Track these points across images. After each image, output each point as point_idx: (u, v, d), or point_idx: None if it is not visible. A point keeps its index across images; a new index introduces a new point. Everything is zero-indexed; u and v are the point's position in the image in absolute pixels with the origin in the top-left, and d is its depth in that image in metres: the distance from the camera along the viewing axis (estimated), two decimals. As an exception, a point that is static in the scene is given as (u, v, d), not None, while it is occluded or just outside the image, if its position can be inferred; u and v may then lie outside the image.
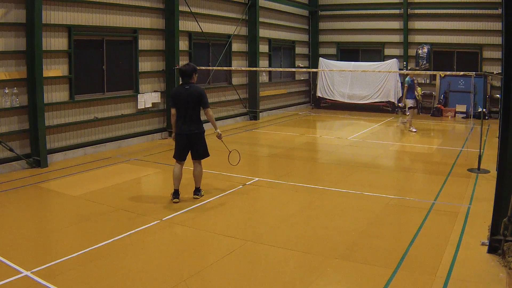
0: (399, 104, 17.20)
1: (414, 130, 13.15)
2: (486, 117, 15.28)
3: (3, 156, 8.25)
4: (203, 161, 6.81)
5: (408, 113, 13.38)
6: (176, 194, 6.61)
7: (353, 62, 17.71)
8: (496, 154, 5.97)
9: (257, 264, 4.71)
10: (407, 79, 13.12)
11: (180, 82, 6.81)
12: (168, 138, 11.95)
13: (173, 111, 6.61)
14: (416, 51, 17.45)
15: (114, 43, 10.58)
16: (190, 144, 6.60)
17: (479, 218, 5.82)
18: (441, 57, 17.32)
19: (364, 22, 18.73)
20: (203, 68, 12.87)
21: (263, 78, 16.61)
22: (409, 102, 13.21)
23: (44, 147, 8.62)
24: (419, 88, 17.12)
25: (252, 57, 15.47)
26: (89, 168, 8.69)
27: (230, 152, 7.43)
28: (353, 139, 12.19)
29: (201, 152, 6.69)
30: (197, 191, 6.84)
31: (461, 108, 16.29)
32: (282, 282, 4.28)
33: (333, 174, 8.60)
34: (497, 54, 15.87)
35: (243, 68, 14.79)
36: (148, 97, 11.40)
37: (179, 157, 6.66)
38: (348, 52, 19.31)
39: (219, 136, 6.92)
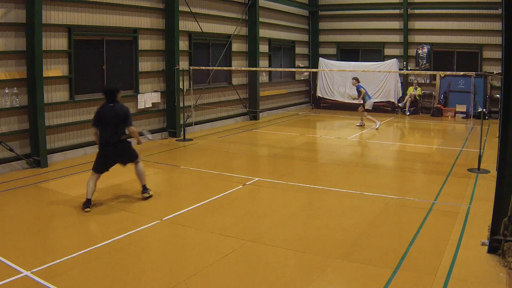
0: (399, 104, 17.23)
1: (360, 124, 14.17)
2: (486, 117, 15.28)
3: (3, 156, 8.25)
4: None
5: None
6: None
7: (353, 62, 17.70)
8: (496, 154, 5.97)
9: (257, 264, 4.71)
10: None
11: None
12: (168, 138, 11.96)
13: None
14: (416, 51, 17.45)
15: (114, 43, 10.58)
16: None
17: (479, 218, 5.82)
18: (441, 57, 17.32)
19: (364, 22, 18.72)
20: (203, 68, 12.88)
21: (263, 78, 16.61)
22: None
23: (44, 147, 8.63)
24: (419, 88, 17.17)
25: (252, 57, 15.47)
26: (89, 168, 8.63)
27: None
28: (353, 139, 12.19)
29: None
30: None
31: (461, 108, 16.29)
32: (282, 282, 4.28)
33: (333, 174, 8.60)
34: (497, 54, 15.87)
35: (243, 68, 14.79)
36: (148, 97, 11.41)
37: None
38: (348, 52, 19.31)
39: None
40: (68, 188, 7.39)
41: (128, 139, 6.70)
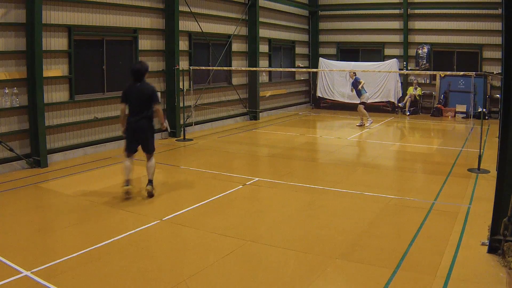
0: (399, 104, 17.23)
1: (360, 124, 14.13)
2: (486, 117, 15.28)
3: (3, 156, 8.25)
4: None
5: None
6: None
7: (353, 62, 17.70)
8: (496, 154, 5.97)
9: (257, 264, 4.71)
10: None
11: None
12: (168, 138, 11.97)
13: None
14: (416, 51, 17.45)
15: (114, 43, 10.58)
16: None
17: (479, 218, 5.82)
18: (441, 57, 17.32)
19: (364, 22, 18.72)
20: (203, 68, 12.88)
21: (263, 78, 16.61)
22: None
23: (44, 147, 8.63)
24: (419, 88, 17.18)
25: (252, 57, 15.47)
26: (89, 168, 8.70)
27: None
28: (353, 139, 12.19)
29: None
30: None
31: (461, 108, 16.29)
32: (282, 282, 4.28)
33: (333, 174, 8.59)
34: (497, 54, 15.87)
35: (243, 68, 14.79)
36: (148, 97, 11.38)
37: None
38: (348, 52, 19.31)
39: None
40: (68, 188, 7.39)
41: (153, 129, 6.93)
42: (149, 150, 6.85)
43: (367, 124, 13.97)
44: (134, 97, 6.61)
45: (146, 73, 6.74)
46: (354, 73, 13.89)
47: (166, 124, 7.21)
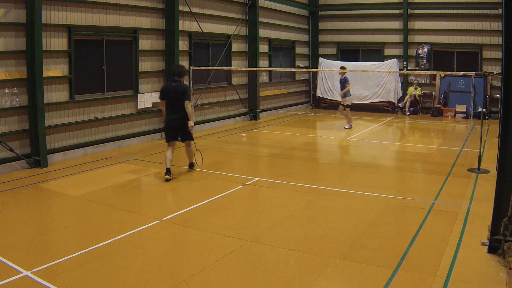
0: (399, 104, 17.23)
1: (348, 126, 13.78)
2: (486, 117, 15.28)
3: (3, 156, 8.25)
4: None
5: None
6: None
7: (353, 62, 17.71)
8: (496, 154, 5.97)
9: (257, 264, 4.71)
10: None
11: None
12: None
13: None
14: (416, 51, 17.45)
15: (114, 43, 10.58)
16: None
17: (479, 218, 5.82)
18: (441, 57, 17.32)
19: (364, 22, 18.72)
20: (203, 68, 12.88)
21: (263, 78, 16.61)
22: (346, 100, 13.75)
23: (44, 147, 8.63)
24: (419, 88, 17.19)
25: (252, 57, 15.47)
26: (89, 168, 8.70)
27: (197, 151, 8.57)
28: (353, 139, 12.19)
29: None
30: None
31: (461, 108, 16.29)
32: (282, 282, 4.28)
33: (333, 174, 8.60)
34: (497, 54, 15.87)
35: (243, 68, 14.79)
36: (148, 97, 11.40)
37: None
38: (348, 52, 19.31)
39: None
40: (68, 188, 7.39)
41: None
42: (188, 139, 8.08)
43: (346, 127, 13.72)
44: (170, 95, 7.76)
45: (183, 75, 8.02)
46: (345, 72, 13.59)
47: (192, 123, 7.95)
